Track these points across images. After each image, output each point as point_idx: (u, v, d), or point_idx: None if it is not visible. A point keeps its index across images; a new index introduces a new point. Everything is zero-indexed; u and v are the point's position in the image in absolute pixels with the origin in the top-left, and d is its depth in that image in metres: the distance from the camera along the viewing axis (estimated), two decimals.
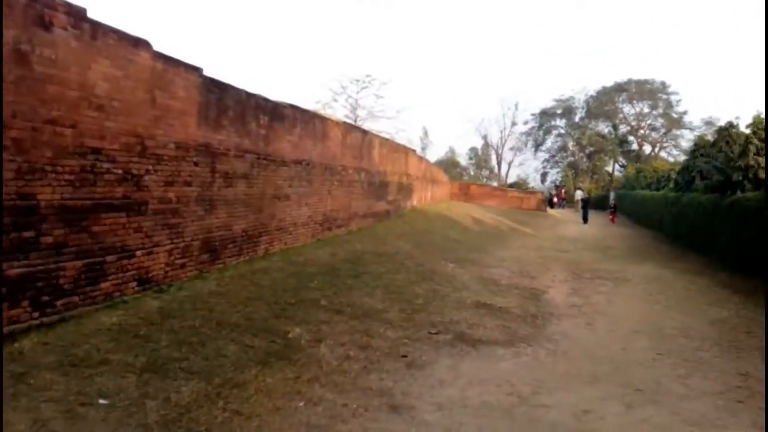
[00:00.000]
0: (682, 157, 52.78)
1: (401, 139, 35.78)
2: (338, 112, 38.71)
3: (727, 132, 19.62)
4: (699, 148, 22.30)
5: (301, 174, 11.29)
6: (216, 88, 8.04)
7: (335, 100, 41.41)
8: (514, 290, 10.00)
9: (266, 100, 9.71)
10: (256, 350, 5.37)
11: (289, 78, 69.99)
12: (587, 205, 35.65)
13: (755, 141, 16.17)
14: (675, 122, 63.11)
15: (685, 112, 62.93)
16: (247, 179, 9.00)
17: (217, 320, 5.95)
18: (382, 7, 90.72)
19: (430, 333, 6.81)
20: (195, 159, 7.50)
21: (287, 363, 5.19)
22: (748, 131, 16.58)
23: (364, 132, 16.34)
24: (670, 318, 8.46)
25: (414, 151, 23.68)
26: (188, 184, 7.38)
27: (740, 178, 16.14)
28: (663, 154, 63.21)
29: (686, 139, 62.95)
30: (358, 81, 42.69)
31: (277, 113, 10.09)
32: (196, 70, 7.51)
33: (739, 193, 15.87)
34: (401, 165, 20.54)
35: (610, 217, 34.80)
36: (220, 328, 5.74)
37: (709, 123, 59.77)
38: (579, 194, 41.46)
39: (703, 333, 7.52)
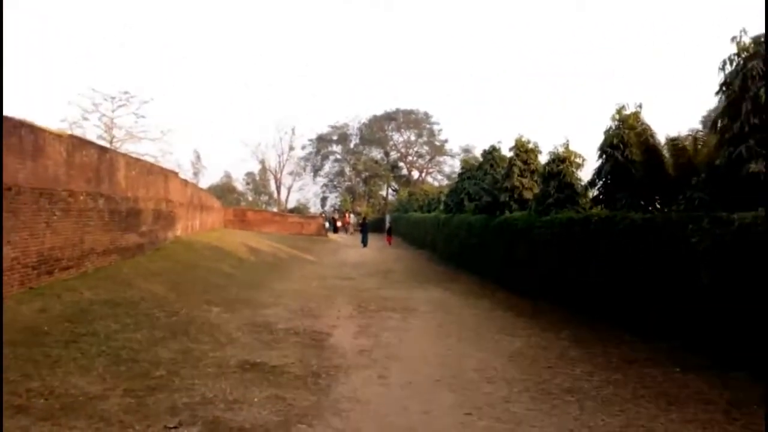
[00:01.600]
0: (446, 182, 57.46)
1: (169, 163, 31.96)
2: (90, 133, 33.16)
3: (491, 155, 20.68)
4: (466, 171, 23.36)
5: None
6: None
7: (86, 119, 35.56)
8: (292, 337, 8.16)
9: None
10: None
11: (27, 92, 59.46)
12: (366, 228, 36.08)
13: (518, 163, 16.98)
14: (438, 149, 68.81)
15: (446, 140, 69.12)
16: None
17: None
18: (137, 17, 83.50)
19: (167, 429, 4.58)
20: None
21: None
22: (511, 154, 17.40)
23: (103, 149, 13.17)
24: (467, 356, 7.43)
25: (176, 173, 20.68)
26: None
27: (507, 198, 16.76)
28: (429, 178, 68.40)
29: (448, 165, 69.19)
30: (113, 98, 37.56)
31: None
32: None
33: (507, 213, 16.42)
34: (159, 190, 17.50)
35: (387, 239, 35.48)
36: None
37: (466, 150, 66.32)
38: (352, 218, 41.99)
39: (506, 374, 6.54)
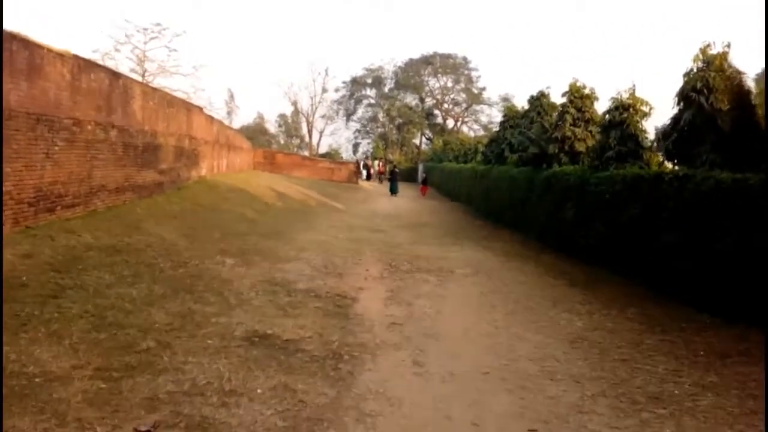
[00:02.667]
0: (482, 132, 55.18)
1: (201, 101, 30.87)
2: (122, 66, 32.15)
3: (539, 102, 18.84)
4: (508, 119, 21.58)
5: None
6: None
7: (117, 50, 34.54)
8: (312, 301, 7.00)
9: None
10: None
11: (58, 20, 58.42)
12: (396, 177, 34.83)
13: (571, 110, 15.22)
14: (475, 97, 65.96)
15: (484, 88, 66.13)
16: None
17: None
18: None
19: None
20: None
21: None
22: (563, 100, 15.62)
23: (115, 74, 11.94)
24: (519, 338, 6.16)
25: (200, 108, 19.47)
26: None
27: (556, 150, 15.12)
28: (465, 128, 65.93)
29: (485, 114, 66.51)
30: (145, 30, 36.31)
31: None
32: None
33: (556, 167, 14.83)
34: (181, 125, 16.35)
35: (422, 189, 34.12)
36: None
37: (505, 99, 63.32)
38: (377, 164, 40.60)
39: (571, 368, 5.26)
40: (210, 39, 76.42)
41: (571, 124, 15.22)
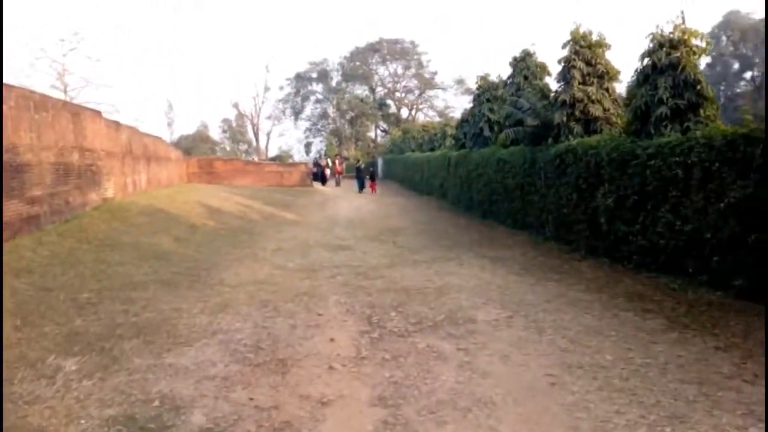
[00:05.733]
0: (437, 119, 51.58)
1: (130, 116, 26.55)
2: (40, 83, 27.84)
3: (524, 63, 15.21)
4: (484, 92, 17.89)
5: None
6: None
7: (32, 66, 30.32)
8: None
9: None
10: None
11: None
12: (361, 172, 31.44)
13: (579, 64, 11.60)
14: (428, 82, 62.52)
15: (435, 73, 62.77)
16: None
17: None
18: None
19: None
20: None
21: None
22: (565, 52, 11.98)
23: None
24: None
25: (98, 112, 15.05)
26: None
27: (564, 118, 11.47)
28: (420, 116, 62.36)
29: (441, 99, 63.15)
30: (63, 41, 32.01)
31: None
32: None
33: (567, 140, 11.19)
34: (65, 134, 12.00)
35: (371, 186, 30.49)
36: None
37: (460, 82, 60.34)
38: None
39: None
40: (141, 47, 70.43)
41: (580, 83, 11.60)
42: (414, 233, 13.87)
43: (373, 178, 30.78)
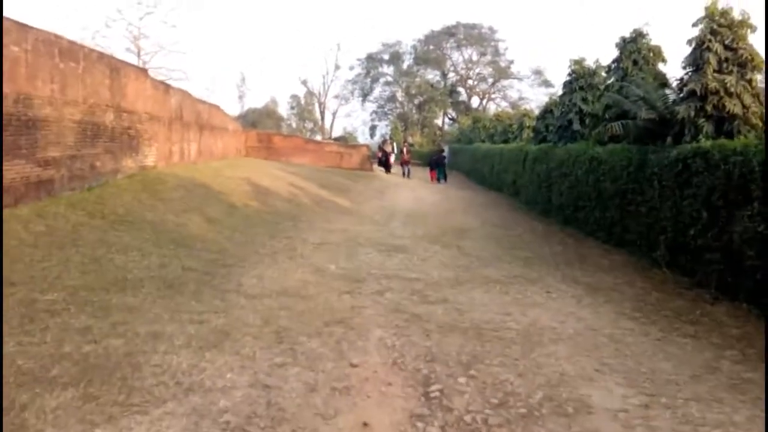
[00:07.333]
0: (510, 110, 48.55)
1: (200, 85, 25.70)
2: (115, 44, 27.40)
3: (634, 45, 12.66)
4: (577, 79, 15.38)
5: None
6: None
7: (108, 27, 29.83)
8: None
9: None
10: None
11: None
12: (442, 161, 29.31)
13: (715, 46, 9.09)
14: (503, 71, 59.37)
15: (512, 61, 59.49)
16: None
17: None
18: None
19: None
20: None
21: None
22: (696, 31, 9.47)
23: None
24: None
25: (144, 71, 13.69)
26: None
27: (692, 113, 9.02)
28: (491, 105, 59.33)
29: (515, 90, 59.86)
30: (139, 3, 31.45)
31: None
32: None
33: (701, 140, 8.75)
34: (98, 90, 10.62)
35: (431, 174, 28.38)
36: None
37: (537, 72, 56.92)
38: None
39: None
40: (217, 18, 70.42)
41: (715, 70, 9.09)
42: (483, 236, 11.76)
43: (432, 167, 28.77)
